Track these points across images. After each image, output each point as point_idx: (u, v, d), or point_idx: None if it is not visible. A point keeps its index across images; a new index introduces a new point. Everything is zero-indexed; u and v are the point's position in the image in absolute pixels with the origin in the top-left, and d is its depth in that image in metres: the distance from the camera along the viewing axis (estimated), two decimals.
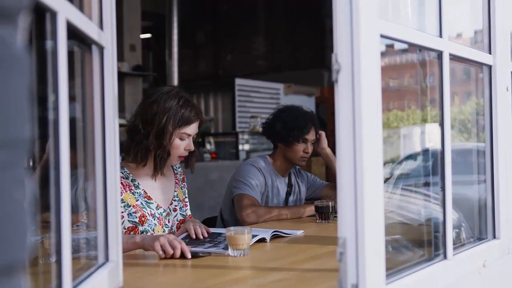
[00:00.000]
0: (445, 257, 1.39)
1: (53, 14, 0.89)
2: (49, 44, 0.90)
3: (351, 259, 1.05)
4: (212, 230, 2.09)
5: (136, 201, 2.06)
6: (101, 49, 1.23)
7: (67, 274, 0.91)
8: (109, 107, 1.25)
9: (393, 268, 1.21)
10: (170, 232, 2.13)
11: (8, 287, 0.52)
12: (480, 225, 1.73)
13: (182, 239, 1.94)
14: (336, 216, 2.41)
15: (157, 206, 2.12)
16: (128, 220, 2.03)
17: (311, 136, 2.77)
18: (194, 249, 1.81)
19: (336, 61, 1.07)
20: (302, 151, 2.75)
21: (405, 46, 1.45)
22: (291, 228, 2.23)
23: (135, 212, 2.04)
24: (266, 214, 2.56)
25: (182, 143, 2.09)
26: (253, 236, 1.89)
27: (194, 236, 1.95)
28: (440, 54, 1.40)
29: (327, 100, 7.54)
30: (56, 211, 0.90)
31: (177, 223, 2.19)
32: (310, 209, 2.62)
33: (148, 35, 9.73)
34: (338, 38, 1.07)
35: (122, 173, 2.08)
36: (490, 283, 1.63)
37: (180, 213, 2.21)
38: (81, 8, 1.11)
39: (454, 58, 1.46)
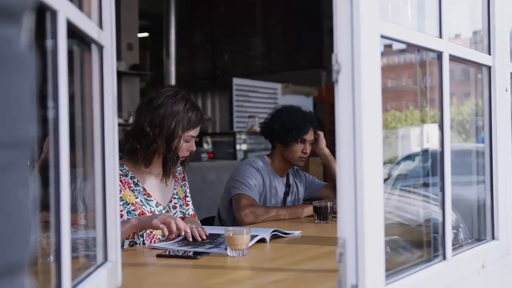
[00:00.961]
0: (444, 258, 1.39)
1: (53, 13, 0.88)
2: (49, 43, 0.89)
3: (350, 260, 1.05)
4: (212, 230, 2.09)
5: (136, 198, 2.07)
6: (100, 48, 1.22)
7: (67, 274, 0.90)
8: (108, 106, 1.25)
9: (393, 269, 1.21)
10: None
11: (11, 287, 0.52)
12: (479, 226, 1.73)
13: (179, 241, 1.93)
14: (334, 217, 2.41)
15: (157, 203, 2.13)
16: (128, 218, 2.03)
17: (309, 136, 2.77)
18: (194, 249, 1.81)
19: (336, 61, 1.07)
20: (300, 151, 2.75)
21: (403, 46, 1.45)
22: (289, 228, 2.23)
23: (134, 210, 2.04)
24: (264, 214, 2.56)
25: (186, 145, 2.13)
26: (253, 236, 1.89)
27: (190, 239, 1.93)
28: (440, 55, 1.40)
29: (325, 100, 7.54)
30: (56, 210, 0.89)
31: None
32: (308, 210, 2.62)
33: (145, 34, 9.72)
34: (339, 38, 1.06)
35: (121, 170, 2.08)
36: (489, 284, 1.63)
37: (180, 211, 2.23)
38: (80, 7, 1.10)
39: (453, 58, 1.46)
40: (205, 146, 7.06)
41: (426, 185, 1.73)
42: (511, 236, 1.73)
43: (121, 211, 2.02)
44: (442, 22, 1.40)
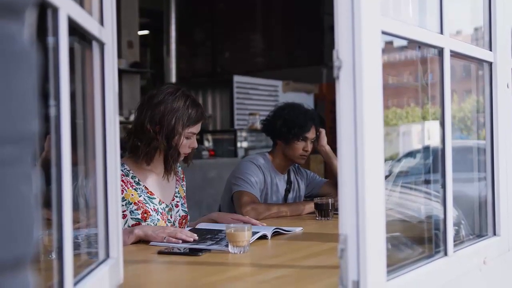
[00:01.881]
0: (445, 254, 1.39)
1: (55, 10, 0.88)
2: (50, 40, 0.89)
3: (352, 256, 1.05)
4: (213, 227, 2.09)
5: (139, 196, 2.08)
6: (101, 45, 1.22)
7: (69, 271, 0.90)
8: (109, 103, 1.25)
9: (394, 265, 1.21)
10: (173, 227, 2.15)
11: (15, 282, 0.52)
12: (480, 222, 1.73)
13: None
14: (335, 213, 2.41)
15: (160, 201, 2.14)
16: (131, 218, 2.04)
17: (311, 134, 2.77)
18: (195, 246, 1.81)
19: (337, 58, 1.07)
20: (301, 149, 2.75)
21: (404, 43, 1.45)
22: (291, 225, 2.23)
23: (137, 209, 2.06)
24: (265, 211, 2.56)
25: (187, 142, 2.13)
26: (254, 233, 1.89)
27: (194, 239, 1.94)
28: (441, 51, 1.40)
29: (326, 97, 7.54)
30: (58, 208, 0.90)
31: (179, 219, 2.21)
32: (310, 206, 2.62)
33: (146, 32, 9.72)
34: (340, 34, 1.06)
35: (122, 170, 2.09)
36: (491, 280, 1.63)
37: (182, 209, 2.24)
38: (81, 4, 1.10)
39: (455, 54, 1.46)
40: (206, 143, 7.06)
41: (427, 182, 1.73)
42: None
43: (124, 211, 2.02)
44: (443, 18, 1.39)
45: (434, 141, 1.59)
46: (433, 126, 1.60)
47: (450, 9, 1.43)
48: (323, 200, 2.50)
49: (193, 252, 1.74)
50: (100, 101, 1.23)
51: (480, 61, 1.69)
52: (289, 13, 8.96)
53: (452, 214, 1.40)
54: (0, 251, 0.51)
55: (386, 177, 1.80)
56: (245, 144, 7.00)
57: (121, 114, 6.68)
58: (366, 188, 1.05)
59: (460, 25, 1.83)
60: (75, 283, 0.98)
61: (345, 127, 1.06)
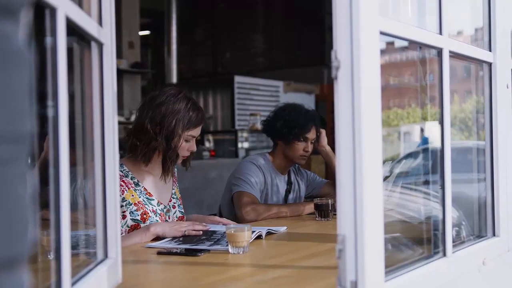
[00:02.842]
0: (444, 254, 1.39)
1: (53, 10, 0.88)
2: (48, 40, 0.89)
3: (350, 256, 1.05)
4: (211, 227, 2.09)
5: (139, 197, 2.09)
6: (100, 45, 1.22)
7: (67, 271, 0.90)
8: (108, 104, 1.25)
9: (393, 265, 1.21)
10: None
11: (10, 281, 0.52)
12: (479, 222, 1.73)
13: (177, 239, 1.94)
14: (335, 214, 2.41)
15: (158, 202, 2.15)
16: (131, 219, 2.05)
17: (311, 135, 2.77)
18: (194, 247, 1.81)
19: (335, 58, 1.07)
20: (302, 149, 2.75)
21: (405, 44, 1.45)
22: (291, 225, 2.23)
23: (136, 210, 2.07)
24: (265, 211, 2.56)
25: (186, 145, 2.14)
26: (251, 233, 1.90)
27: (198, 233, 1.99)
28: (440, 52, 1.40)
29: (327, 98, 7.54)
30: (56, 208, 0.90)
31: (176, 220, 2.22)
32: (310, 207, 2.62)
33: (146, 32, 9.73)
34: (338, 34, 1.06)
35: (121, 171, 2.10)
36: (490, 281, 1.63)
37: (179, 210, 2.25)
38: (80, 4, 1.10)
39: (454, 55, 1.46)
40: (207, 144, 7.06)
41: (427, 182, 1.73)
42: None
43: (124, 212, 2.03)
44: (442, 19, 1.39)
45: (434, 142, 1.59)
46: (433, 126, 1.60)
47: (449, 9, 1.43)
48: (323, 201, 2.50)
49: (192, 252, 1.74)
50: (99, 102, 1.23)
51: (479, 62, 1.69)
52: (290, 13, 8.97)
53: (450, 214, 1.40)
54: None
55: (387, 177, 1.81)
56: (246, 145, 7.01)
57: (121, 114, 6.68)
58: (364, 189, 1.04)
59: (460, 26, 1.83)
60: (73, 283, 0.98)
61: (343, 127, 1.06)
